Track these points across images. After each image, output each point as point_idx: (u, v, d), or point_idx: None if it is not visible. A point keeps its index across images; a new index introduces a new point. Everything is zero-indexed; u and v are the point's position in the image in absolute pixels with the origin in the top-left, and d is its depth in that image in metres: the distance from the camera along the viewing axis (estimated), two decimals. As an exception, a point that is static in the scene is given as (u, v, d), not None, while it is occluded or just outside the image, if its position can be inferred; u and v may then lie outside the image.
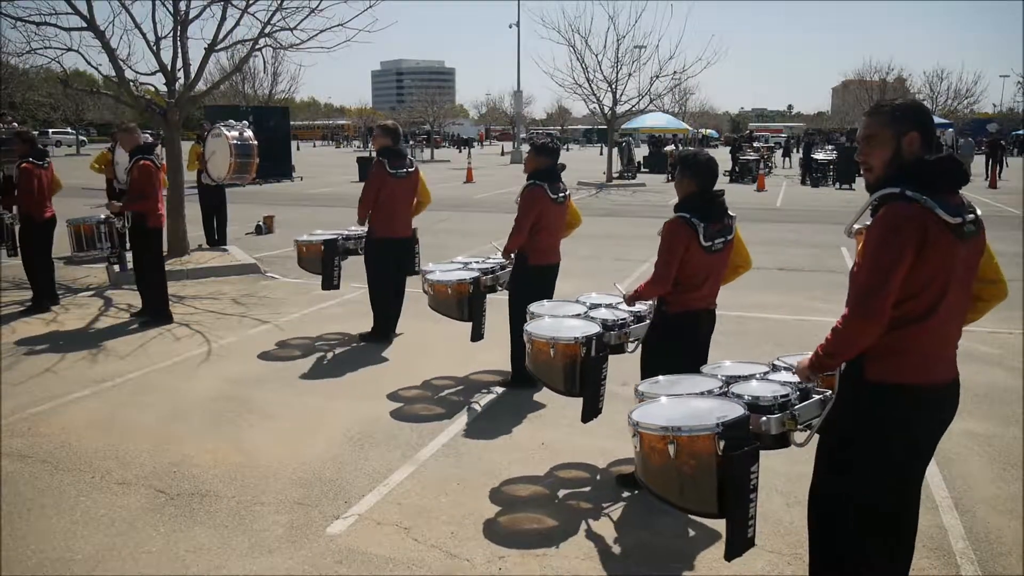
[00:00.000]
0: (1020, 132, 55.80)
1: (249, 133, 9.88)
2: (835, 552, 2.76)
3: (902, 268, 2.39)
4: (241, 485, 4.27)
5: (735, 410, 2.95)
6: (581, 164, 34.87)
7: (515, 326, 5.51)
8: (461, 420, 5.24)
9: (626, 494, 4.17)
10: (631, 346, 4.42)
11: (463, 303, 5.80)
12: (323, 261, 7.19)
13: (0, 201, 8.95)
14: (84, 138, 53.11)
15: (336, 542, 3.69)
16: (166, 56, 10.73)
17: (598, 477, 4.42)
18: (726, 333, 6.64)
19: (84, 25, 10.13)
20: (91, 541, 3.69)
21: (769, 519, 3.89)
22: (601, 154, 40.72)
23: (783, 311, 8.33)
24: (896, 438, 2.57)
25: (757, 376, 3.34)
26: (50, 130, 50.47)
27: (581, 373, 4.09)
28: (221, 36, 10.78)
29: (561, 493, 4.22)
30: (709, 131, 62.15)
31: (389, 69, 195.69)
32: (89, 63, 11.40)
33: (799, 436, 3.02)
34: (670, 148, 32.59)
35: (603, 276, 9.85)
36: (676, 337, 4.02)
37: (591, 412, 4.17)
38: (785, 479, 4.27)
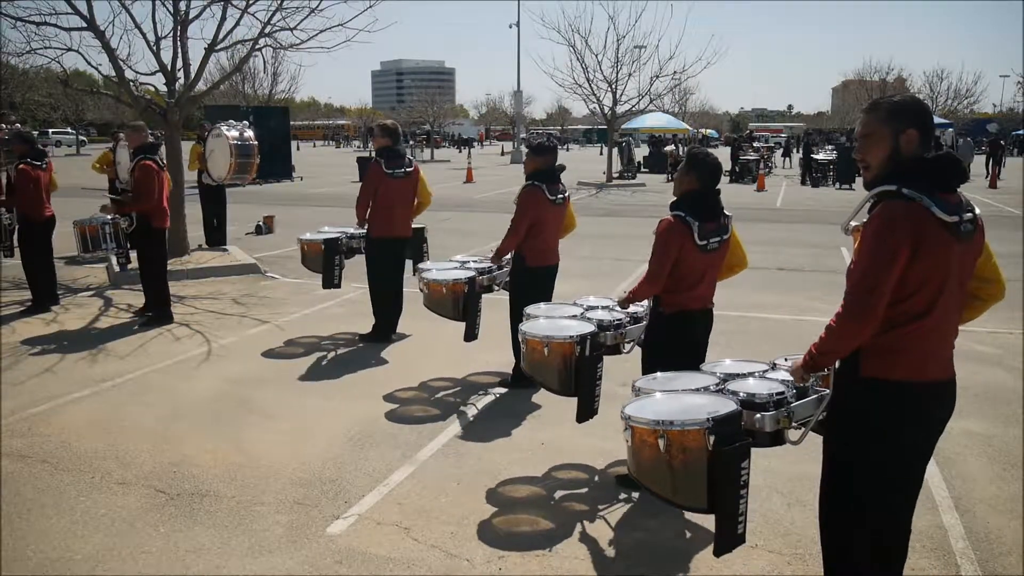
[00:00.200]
0: (1020, 132, 55.82)
1: (249, 133, 9.88)
2: (844, 554, 2.75)
3: (897, 266, 2.39)
4: (241, 485, 4.27)
5: (727, 406, 2.96)
6: (581, 164, 34.88)
7: (516, 327, 5.51)
8: (461, 420, 5.24)
9: (624, 495, 4.17)
10: (627, 347, 4.42)
11: (458, 303, 5.78)
12: (324, 260, 7.19)
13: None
14: (84, 138, 53.13)
15: (336, 542, 3.69)
16: (166, 56, 10.75)
17: (597, 478, 4.42)
18: (726, 333, 6.65)
19: (84, 25, 10.14)
20: (91, 541, 3.69)
21: (769, 519, 3.89)
22: (601, 154, 40.72)
23: (783, 311, 8.33)
24: (892, 436, 2.57)
25: (755, 374, 3.35)
26: (50, 130, 50.52)
27: (576, 373, 4.09)
28: (221, 36, 10.79)
29: (560, 493, 4.23)
30: (709, 131, 62.13)
31: (389, 69, 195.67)
32: (89, 63, 11.42)
33: (793, 434, 3.03)
34: (670, 148, 32.60)
35: (602, 276, 9.87)
36: (672, 337, 4.02)
37: (586, 412, 4.16)
38: (785, 479, 4.27)
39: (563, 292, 5.92)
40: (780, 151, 43.75)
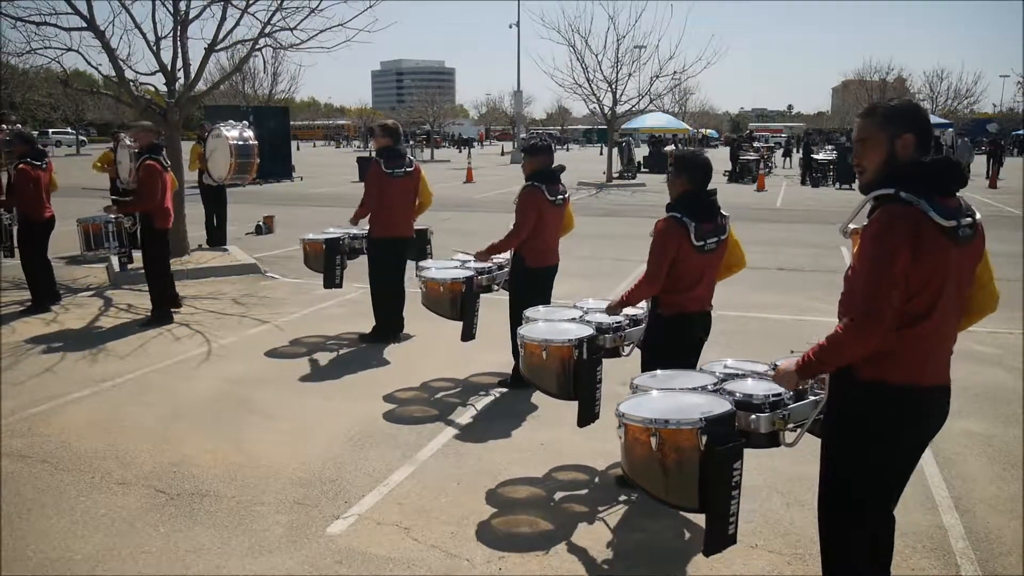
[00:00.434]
0: (1020, 132, 55.82)
1: (249, 133, 9.88)
2: (844, 555, 2.75)
3: (900, 271, 2.38)
4: (241, 485, 4.27)
5: (722, 406, 2.96)
6: (581, 164, 34.88)
7: (516, 327, 5.50)
8: (461, 421, 5.24)
9: (624, 496, 4.16)
10: (627, 350, 4.41)
11: (456, 302, 5.78)
12: (325, 259, 7.19)
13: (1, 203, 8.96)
14: (84, 138, 53.14)
15: (336, 542, 3.69)
16: (166, 56, 10.75)
17: (597, 479, 4.42)
18: (726, 333, 6.65)
19: (84, 25, 10.14)
20: (91, 541, 3.69)
21: (769, 519, 3.89)
22: (601, 154, 40.72)
23: (783, 311, 8.33)
24: (892, 438, 2.56)
25: (755, 375, 3.35)
26: (50, 130, 50.53)
27: (575, 376, 4.08)
28: (221, 36, 10.79)
29: (560, 494, 4.23)
30: (709, 131, 62.17)
31: (389, 69, 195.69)
32: (89, 63, 11.42)
33: (789, 436, 3.02)
34: (670, 148, 32.59)
35: (602, 276, 9.87)
36: (671, 339, 4.01)
37: (587, 417, 4.14)
38: (785, 479, 4.27)
39: (562, 292, 5.92)
40: (780, 151, 43.73)
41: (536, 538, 3.75)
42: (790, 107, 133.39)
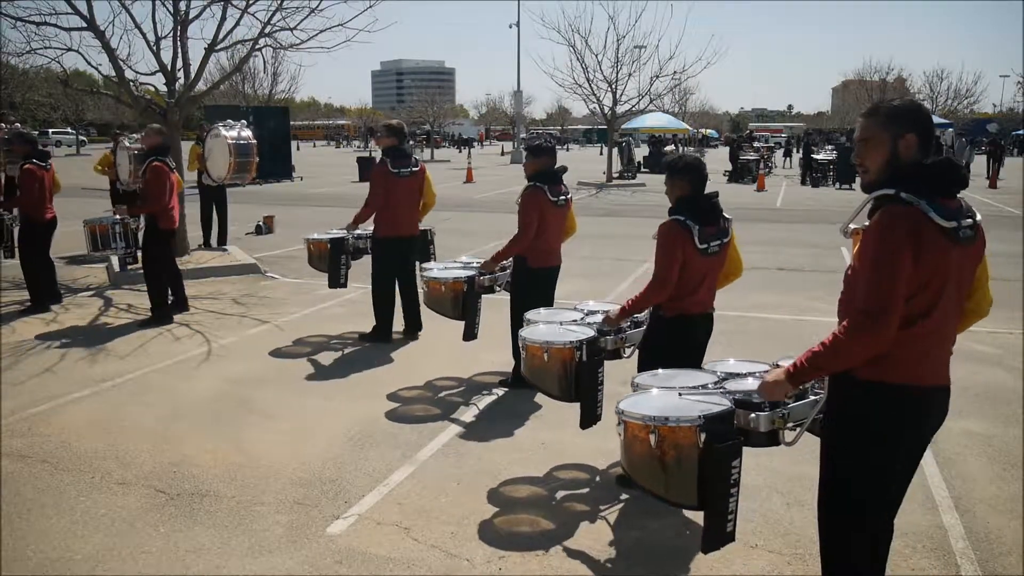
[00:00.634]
0: (1020, 132, 55.81)
1: (248, 132, 9.88)
2: (844, 556, 2.75)
3: (903, 273, 2.37)
4: (241, 485, 4.27)
5: (721, 404, 2.97)
6: (581, 164, 34.86)
7: (517, 328, 5.49)
8: (461, 420, 5.24)
9: (625, 495, 4.17)
10: (628, 351, 4.41)
11: (457, 301, 5.79)
12: (329, 259, 7.20)
13: (1, 204, 8.97)
14: (84, 138, 53.15)
15: (336, 542, 3.69)
16: (166, 56, 10.75)
17: (598, 478, 4.42)
18: (726, 333, 6.64)
19: (84, 25, 10.15)
20: (91, 541, 3.69)
21: (769, 519, 3.89)
22: (601, 154, 40.72)
23: (783, 311, 8.33)
24: (892, 439, 2.56)
25: (755, 374, 3.35)
26: (50, 130, 50.52)
27: (576, 378, 4.08)
28: (221, 36, 10.80)
29: (561, 494, 4.22)
30: (709, 131, 62.17)
31: (389, 69, 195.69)
32: (89, 63, 11.43)
33: (789, 435, 3.03)
34: (670, 148, 32.62)
35: (602, 277, 9.87)
36: (673, 341, 4.00)
37: (590, 418, 4.14)
38: (785, 479, 4.27)
39: (563, 292, 5.92)
40: (780, 151, 43.72)
41: (536, 538, 3.75)
42: (790, 107, 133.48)
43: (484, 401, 5.61)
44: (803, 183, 27.21)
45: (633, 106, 27.91)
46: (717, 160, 35.00)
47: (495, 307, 6.29)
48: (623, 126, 32.67)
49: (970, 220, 2.49)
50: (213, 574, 3.44)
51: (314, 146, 68.18)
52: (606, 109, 27.44)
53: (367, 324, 7.28)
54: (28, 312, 8.04)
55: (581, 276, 9.55)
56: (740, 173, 27.94)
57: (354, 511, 3.97)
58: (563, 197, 5.66)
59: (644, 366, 4.04)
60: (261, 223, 14.11)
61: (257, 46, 11.48)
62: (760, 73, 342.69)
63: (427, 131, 53.85)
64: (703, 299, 4.04)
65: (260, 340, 7.18)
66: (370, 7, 11.60)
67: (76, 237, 10.12)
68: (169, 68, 10.67)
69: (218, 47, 10.92)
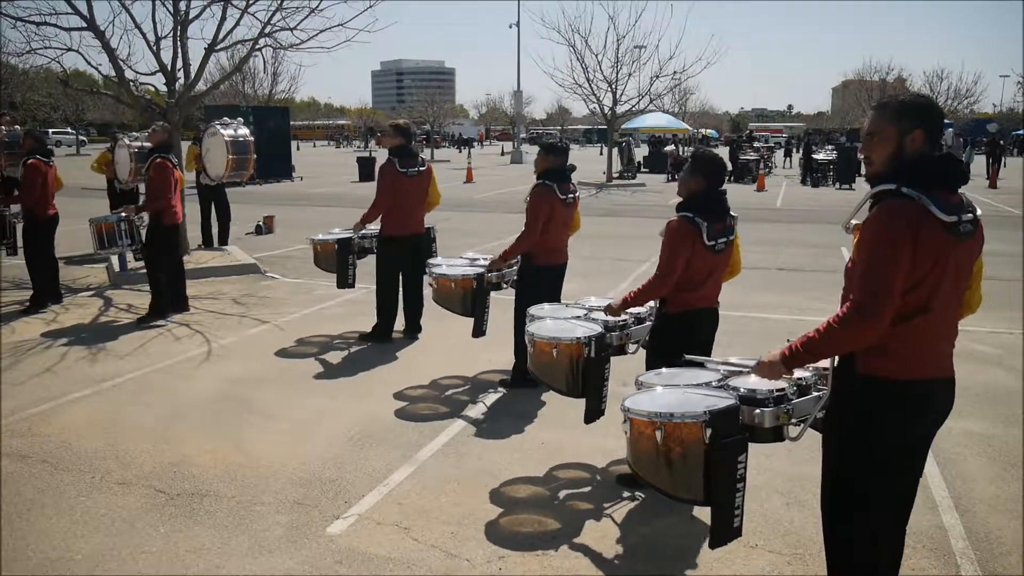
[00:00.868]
0: (1020, 132, 55.80)
1: (245, 131, 9.89)
2: (848, 554, 2.75)
3: (900, 265, 2.39)
4: (241, 485, 4.27)
5: (726, 400, 2.98)
6: (581, 164, 34.57)
7: (519, 326, 5.50)
8: (461, 420, 5.24)
9: (626, 493, 4.17)
10: (632, 347, 4.42)
11: (466, 298, 5.81)
12: (337, 260, 7.22)
13: (1, 200, 8.98)
14: (84, 138, 53.14)
15: (336, 542, 3.69)
16: (166, 56, 10.74)
17: (598, 477, 4.42)
18: (726, 333, 6.63)
19: (84, 25, 10.14)
20: (91, 541, 3.69)
21: (769, 519, 3.89)
22: (601, 154, 40.72)
23: (783, 311, 8.33)
24: (894, 434, 2.57)
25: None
26: (50, 130, 50.47)
27: (583, 373, 4.09)
28: (221, 36, 10.79)
29: (561, 493, 4.22)
30: (709, 131, 62.12)
31: (389, 69, 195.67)
32: (89, 63, 11.44)
33: (793, 430, 3.04)
34: (670, 148, 32.60)
35: (603, 276, 9.87)
36: (679, 336, 4.01)
37: (594, 413, 4.17)
38: (785, 479, 4.27)
39: (563, 292, 5.91)
40: (780, 151, 43.72)
41: (537, 537, 3.75)
42: (790, 107, 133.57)
43: (484, 401, 5.61)
44: (803, 183, 27.21)
45: (633, 106, 27.92)
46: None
47: (499, 306, 6.29)
48: (623, 126, 32.68)
49: (970, 215, 2.50)
50: (213, 574, 3.44)
51: (314, 146, 68.19)
52: (606, 109, 27.44)
53: (367, 324, 7.28)
54: (27, 311, 8.03)
55: (581, 276, 9.55)
56: (740, 173, 27.94)
57: (354, 511, 3.97)
58: (572, 195, 5.67)
59: (652, 363, 4.04)
60: (261, 223, 14.11)
61: (257, 46, 11.48)
62: (760, 73, 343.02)
63: (427, 131, 53.85)
64: (709, 294, 4.05)
65: (260, 340, 7.18)
66: (370, 7, 11.59)
67: (76, 237, 10.13)
68: (169, 68, 10.67)
69: (218, 47, 10.92)
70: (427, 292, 6.02)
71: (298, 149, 45.89)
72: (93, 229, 8.66)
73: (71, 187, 18.92)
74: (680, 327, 4.02)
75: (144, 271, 8.27)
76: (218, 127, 9.79)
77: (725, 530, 2.98)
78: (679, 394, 3.14)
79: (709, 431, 2.85)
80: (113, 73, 10.60)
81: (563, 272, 5.87)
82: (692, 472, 2.92)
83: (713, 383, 3.25)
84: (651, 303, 4.30)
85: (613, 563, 3.55)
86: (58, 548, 3.63)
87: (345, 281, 7.24)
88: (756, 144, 33.47)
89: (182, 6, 10.65)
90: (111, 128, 39.81)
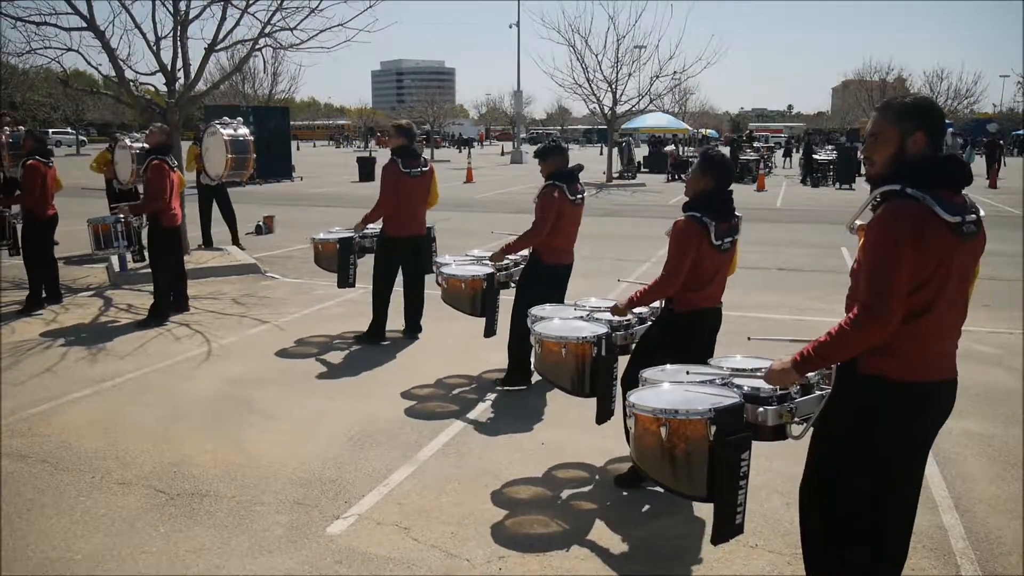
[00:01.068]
0: (1020, 132, 55.81)
1: (244, 130, 9.88)
2: (825, 545, 2.77)
3: (905, 265, 2.39)
4: (241, 485, 4.27)
5: (730, 398, 2.99)
6: (581, 163, 34.84)
7: (518, 324, 5.49)
8: (462, 420, 5.24)
9: (625, 493, 4.17)
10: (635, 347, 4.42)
11: (476, 298, 5.83)
12: (339, 259, 7.22)
13: (1, 200, 8.98)
14: (84, 138, 53.14)
15: (336, 542, 3.69)
16: (166, 56, 10.74)
17: (598, 477, 4.42)
18: (727, 333, 6.61)
19: (84, 25, 10.14)
20: (91, 541, 3.69)
21: (769, 519, 3.89)
22: (601, 154, 40.71)
23: (783, 311, 8.33)
24: (889, 433, 2.57)
25: (762, 370, 3.35)
26: (50, 130, 50.47)
27: (592, 373, 4.11)
28: (221, 36, 10.78)
29: (562, 493, 4.22)
30: (709, 131, 62.12)
31: (389, 69, 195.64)
32: (89, 63, 11.43)
33: (796, 429, 3.05)
34: (670, 148, 32.60)
35: (603, 276, 9.86)
36: (683, 335, 4.02)
37: (605, 413, 4.17)
38: (785, 479, 4.27)
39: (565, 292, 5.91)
40: (780, 151, 43.71)
41: (536, 537, 3.75)
42: (790, 107, 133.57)
43: (484, 401, 5.61)
44: (803, 183, 27.21)
45: (633, 106, 27.95)
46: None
47: (507, 304, 6.28)
48: (623, 126, 32.69)
49: (974, 216, 2.50)
50: (213, 574, 3.44)
51: (314, 146, 68.18)
52: (606, 109, 27.46)
53: (367, 324, 7.27)
54: (23, 312, 8.01)
55: (581, 276, 9.52)
56: (740, 173, 27.92)
57: (354, 511, 3.97)
58: (580, 196, 5.67)
59: (654, 360, 4.04)
60: (261, 223, 14.11)
61: (257, 46, 11.47)
62: (760, 73, 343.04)
63: (427, 131, 53.87)
64: (713, 294, 4.07)
65: (260, 340, 7.18)
66: (370, 7, 11.58)
67: (76, 237, 10.13)
68: (169, 68, 10.66)
69: (218, 47, 10.91)
70: (433, 292, 6.01)
71: (298, 149, 45.89)
72: (91, 230, 8.69)
73: (71, 187, 18.95)
74: (686, 327, 4.03)
75: (146, 271, 8.26)
76: (218, 127, 9.80)
77: (727, 527, 3.01)
78: (684, 391, 3.16)
79: (713, 428, 2.87)
80: (113, 73, 10.60)
81: (569, 272, 5.87)
82: (696, 468, 2.95)
83: (717, 381, 3.26)
84: (655, 303, 4.31)
85: (613, 563, 3.55)
86: (58, 548, 3.63)
87: (346, 280, 7.26)
88: (756, 144, 33.47)
89: (182, 6, 10.65)
90: (111, 128, 39.83)
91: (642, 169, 32.49)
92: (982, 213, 2.57)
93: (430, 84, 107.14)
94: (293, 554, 3.59)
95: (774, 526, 3.83)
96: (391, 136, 7.09)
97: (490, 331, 5.97)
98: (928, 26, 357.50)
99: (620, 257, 11.70)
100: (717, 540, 3.05)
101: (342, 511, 3.97)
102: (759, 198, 21.80)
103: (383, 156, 7.48)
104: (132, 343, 7.05)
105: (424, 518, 3.91)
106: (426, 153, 45.95)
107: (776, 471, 4.34)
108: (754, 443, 3.05)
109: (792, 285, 9.71)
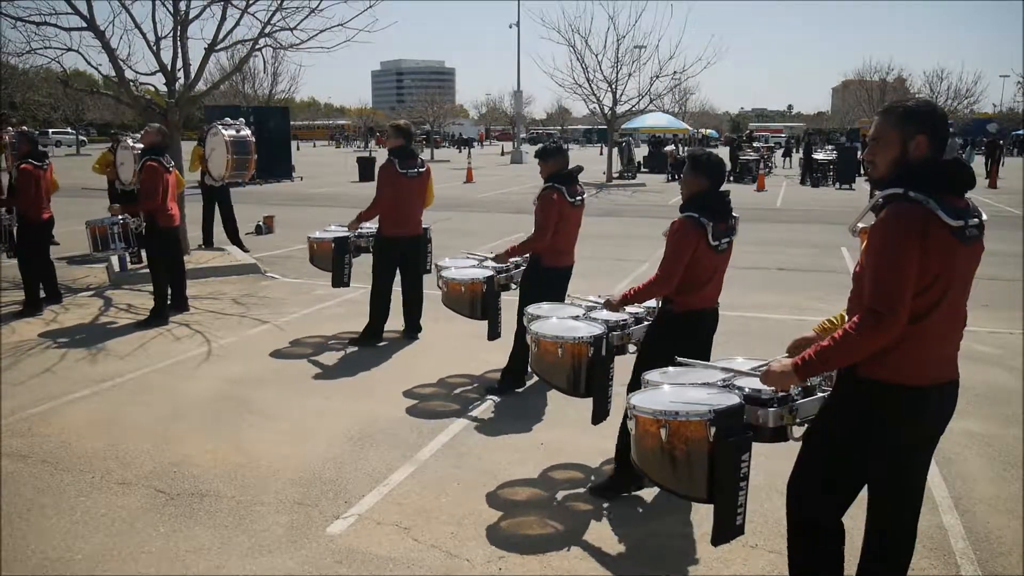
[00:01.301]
0: (1020, 132, 55.81)
1: (246, 131, 9.89)
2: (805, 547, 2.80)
3: (909, 269, 2.39)
4: (241, 485, 4.27)
5: (730, 399, 3.00)
6: (581, 164, 34.84)
7: (522, 329, 5.48)
8: (461, 420, 5.24)
9: (625, 494, 4.16)
10: (632, 347, 4.42)
11: (476, 302, 5.82)
12: (333, 258, 7.22)
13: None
14: (84, 138, 53.14)
15: (336, 542, 3.69)
16: (166, 56, 10.74)
17: (595, 477, 4.42)
18: (726, 333, 6.63)
19: (84, 25, 10.14)
20: (91, 541, 3.69)
21: (769, 519, 3.89)
22: (601, 154, 40.72)
23: (783, 311, 8.33)
24: (889, 435, 2.57)
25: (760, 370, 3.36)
26: (50, 130, 50.51)
27: (589, 374, 4.10)
28: (221, 36, 10.79)
29: (561, 493, 4.22)
30: (709, 131, 62.13)
31: (389, 69, 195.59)
32: (89, 63, 11.44)
33: (797, 431, 3.05)
34: (670, 148, 32.60)
35: (602, 276, 9.87)
36: (680, 336, 4.01)
37: (601, 413, 4.17)
38: (785, 479, 4.25)
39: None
40: (780, 151, 43.70)
41: (536, 538, 3.75)
42: (790, 107, 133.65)
43: (484, 401, 5.61)
44: (803, 183, 27.21)
45: (633, 106, 27.92)
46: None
47: (508, 305, 6.28)
48: (623, 126, 32.68)
49: (976, 220, 2.50)
50: (213, 574, 3.44)
51: (314, 146, 68.18)
52: (606, 109, 27.44)
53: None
54: (20, 314, 7.98)
55: (581, 276, 9.51)
56: (740, 173, 27.94)
57: (354, 511, 3.97)
58: (579, 197, 5.66)
59: (652, 362, 4.03)
60: (261, 223, 14.11)
61: (257, 46, 11.48)
62: (760, 73, 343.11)
63: (427, 131, 53.88)
64: (710, 295, 4.06)
65: (260, 340, 7.18)
66: (370, 7, 11.59)
67: (76, 237, 10.12)
68: (169, 68, 10.67)
69: (218, 47, 10.91)
70: (433, 293, 6.00)
71: (298, 149, 45.89)
72: (88, 232, 8.68)
73: (72, 187, 18.98)
74: (684, 327, 4.03)
75: (145, 272, 8.25)
76: (220, 127, 9.81)
77: (727, 527, 3.01)
78: (685, 393, 3.16)
79: (714, 430, 2.87)
80: (113, 73, 10.60)
81: (570, 274, 5.87)
82: (696, 470, 2.95)
83: (718, 382, 3.26)
84: (651, 302, 4.31)
85: (613, 563, 3.55)
86: (58, 548, 3.63)
87: (340, 280, 7.26)
88: (756, 144, 33.45)
89: (182, 6, 10.66)
90: (111, 128, 39.82)
91: (642, 169, 32.49)
92: (985, 217, 2.56)
93: (430, 84, 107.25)
94: (293, 554, 3.59)
95: (774, 526, 3.83)
96: (389, 136, 7.10)
97: (494, 334, 5.95)
98: (928, 26, 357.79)
99: (620, 257, 11.70)
100: (717, 541, 3.05)
101: (342, 511, 3.97)
102: (759, 198, 21.80)
103: (383, 156, 7.48)
104: (132, 343, 7.05)
105: (424, 518, 3.91)
106: (426, 153, 46.06)
107: (776, 471, 4.33)
108: (754, 444, 3.06)
109: (792, 285, 9.71)
